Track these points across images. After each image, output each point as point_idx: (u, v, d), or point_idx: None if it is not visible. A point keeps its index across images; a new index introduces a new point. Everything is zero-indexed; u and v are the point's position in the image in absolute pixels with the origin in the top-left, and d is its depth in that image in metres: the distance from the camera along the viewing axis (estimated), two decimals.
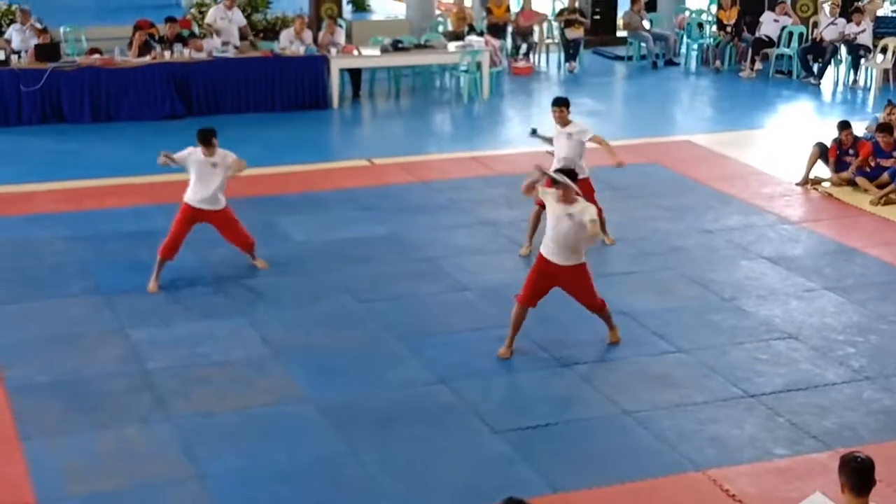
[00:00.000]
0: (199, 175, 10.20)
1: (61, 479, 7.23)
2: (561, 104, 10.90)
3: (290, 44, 17.42)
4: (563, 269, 8.79)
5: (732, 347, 9.16)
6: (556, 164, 10.72)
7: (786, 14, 20.36)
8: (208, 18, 17.85)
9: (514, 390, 8.59)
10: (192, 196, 10.27)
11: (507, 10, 20.90)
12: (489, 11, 20.63)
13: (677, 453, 7.57)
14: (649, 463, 7.49)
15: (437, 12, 21.65)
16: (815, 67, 19.50)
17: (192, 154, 10.21)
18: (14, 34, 17.37)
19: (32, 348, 9.03)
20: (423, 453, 7.60)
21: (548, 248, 8.81)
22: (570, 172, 8.93)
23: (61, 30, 18.63)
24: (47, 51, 16.37)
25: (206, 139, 10.12)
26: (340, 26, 18.71)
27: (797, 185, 13.36)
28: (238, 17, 18.11)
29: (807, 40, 19.88)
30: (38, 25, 17.38)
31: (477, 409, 8.13)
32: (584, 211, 8.61)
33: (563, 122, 10.88)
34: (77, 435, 7.75)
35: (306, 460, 7.47)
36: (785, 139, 15.68)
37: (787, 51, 19.85)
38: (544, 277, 8.87)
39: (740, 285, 10.45)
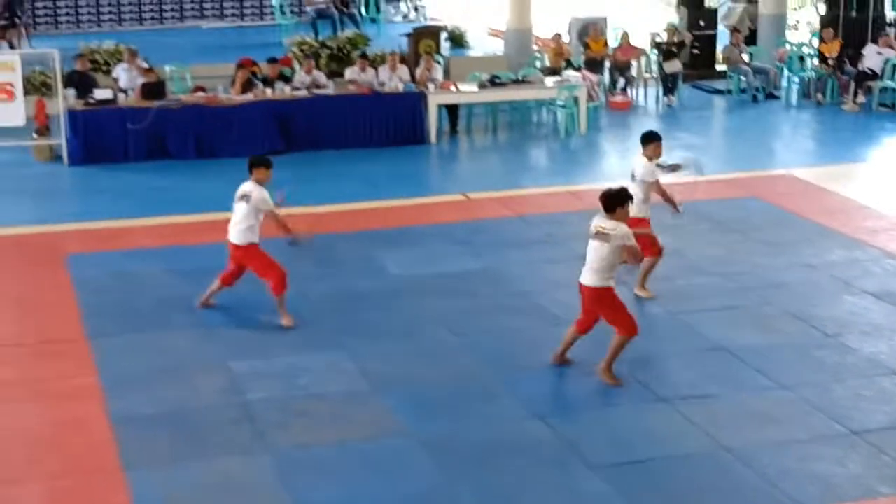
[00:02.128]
0: None
1: None
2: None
3: (388, 80, 17.64)
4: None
5: (835, 384, 8.99)
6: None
7: (889, 46, 20.01)
8: (347, 76, 17.97)
9: (610, 425, 8.52)
10: None
11: (605, 45, 20.89)
12: (587, 46, 20.63)
13: (779, 491, 7.45)
14: (750, 500, 7.38)
15: (535, 48, 21.70)
16: None
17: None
18: (121, 73, 17.82)
19: (137, 380, 9.21)
20: (520, 488, 7.58)
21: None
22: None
23: (167, 68, 19.06)
24: (153, 89, 16.76)
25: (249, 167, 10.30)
26: (438, 62, 18.87)
27: None
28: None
29: None
30: (145, 65, 17.82)
31: (573, 444, 8.09)
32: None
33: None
34: (179, 466, 7.88)
35: (405, 494, 7.50)
36: (889, 172, 15.40)
37: (891, 84, 19.49)
38: None
39: (843, 321, 10.26)
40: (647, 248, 9.96)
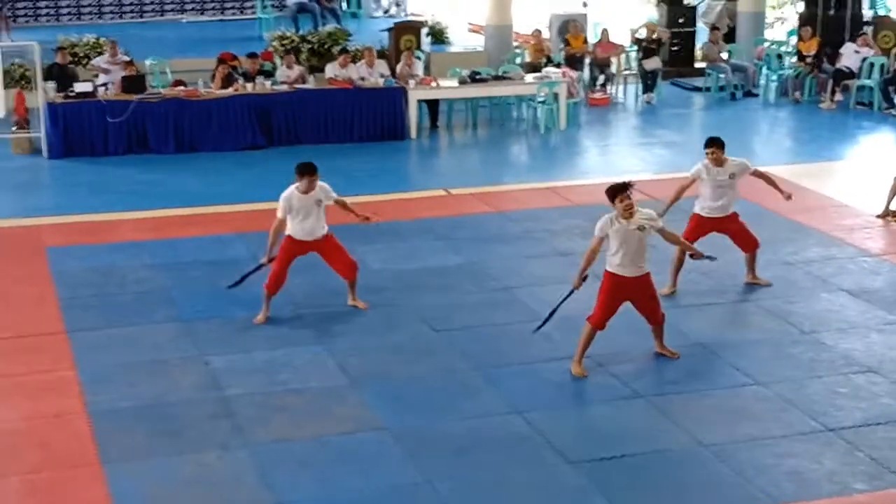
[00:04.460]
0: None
1: None
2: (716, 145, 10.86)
3: (368, 75, 17.67)
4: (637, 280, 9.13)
5: (811, 381, 9.06)
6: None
7: (867, 45, 20.15)
8: (328, 73, 17.95)
9: (588, 421, 8.59)
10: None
11: (585, 41, 20.94)
12: (567, 43, 20.69)
13: (754, 487, 7.51)
14: (726, 496, 7.44)
15: (515, 44, 21.75)
16: None
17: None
18: (102, 66, 17.78)
19: (115, 374, 9.21)
20: (498, 483, 7.62)
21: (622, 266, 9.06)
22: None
23: (147, 62, 19.02)
24: (133, 83, 16.73)
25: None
26: (419, 58, 18.89)
27: (877, 217, 13.20)
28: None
29: (888, 71, 19.64)
30: (125, 58, 17.79)
31: (551, 439, 8.13)
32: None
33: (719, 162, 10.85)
34: (158, 460, 7.89)
35: (382, 488, 7.53)
36: (865, 171, 15.50)
37: (868, 82, 19.62)
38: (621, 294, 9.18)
39: (819, 318, 10.34)
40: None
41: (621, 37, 21.82)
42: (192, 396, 8.84)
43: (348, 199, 13.81)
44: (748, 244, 11.03)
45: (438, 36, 24.11)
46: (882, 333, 9.97)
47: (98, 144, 16.32)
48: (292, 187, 10.16)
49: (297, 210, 10.13)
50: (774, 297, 10.84)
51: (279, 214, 10.17)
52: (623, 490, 7.50)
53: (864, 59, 19.80)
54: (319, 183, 10.23)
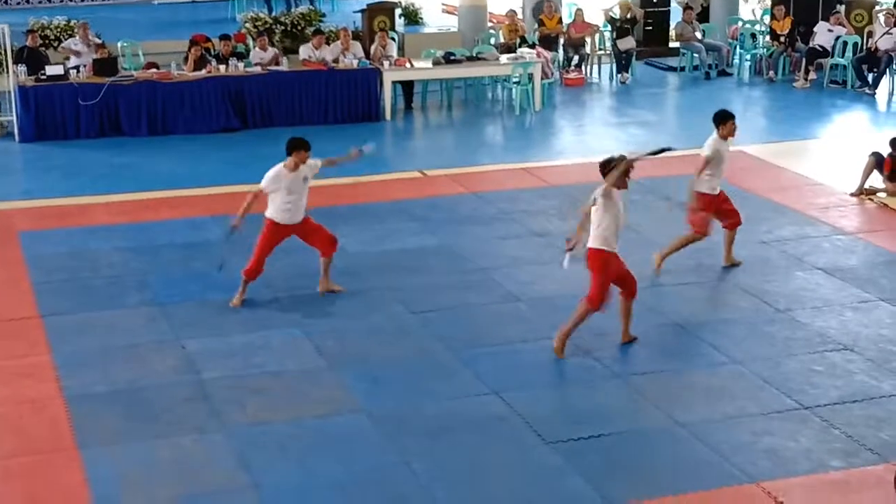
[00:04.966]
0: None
1: (118, 488, 7.34)
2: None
3: (342, 57, 17.60)
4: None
5: (787, 359, 9.10)
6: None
7: (840, 24, 20.19)
8: (301, 55, 17.85)
9: (565, 401, 8.60)
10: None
11: (559, 21, 20.90)
12: (541, 23, 20.64)
13: (731, 465, 7.54)
14: (703, 475, 7.46)
15: (489, 24, 21.70)
16: (870, 77, 19.30)
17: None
18: (73, 48, 17.64)
19: (90, 358, 9.17)
20: (476, 464, 7.62)
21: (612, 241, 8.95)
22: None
23: (119, 45, 18.89)
24: (105, 65, 16.61)
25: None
26: (393, 39, 18.82)
27: (852, 195, 13.26)
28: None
29: (861, 50, 19.71)
30: (97, 41, 17.65)
31: (529, 419, 8.14)
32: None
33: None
34: (134, 444, 7.86)
35: (360, 470, 7.53)
36: (839, 149, 15.55)
37: (841, 61, 19.67)
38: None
39: (795, 296, 10.38)
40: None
41: (595, 16, 21.78)
42: (167, 380, 8.81)
43: (323, 181, 13.83)
44: (736, 219, 11.01)
45: (412, 17, 24.03)
46: (857, 311, 10.02)
47: (70, 128, 16.19)
48: (280, 165, 10.09)
49: (287, 189, 10.03)
50: (750, 276, 10.88)
51: (262, 185, 10.03)
52: (600, 469, 7.52)
53: (837, 38, 19.83)
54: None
